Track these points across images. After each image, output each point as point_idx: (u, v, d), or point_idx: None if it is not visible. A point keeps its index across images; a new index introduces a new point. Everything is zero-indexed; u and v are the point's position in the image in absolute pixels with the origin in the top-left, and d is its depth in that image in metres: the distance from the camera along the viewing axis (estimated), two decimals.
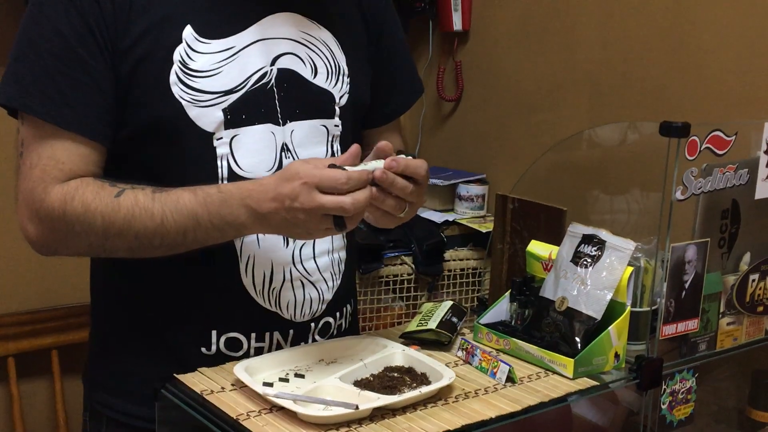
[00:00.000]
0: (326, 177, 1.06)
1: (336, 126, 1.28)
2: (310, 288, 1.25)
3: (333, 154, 1.28)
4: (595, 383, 1.16)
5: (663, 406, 1.24)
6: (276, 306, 1.23)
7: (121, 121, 1.17)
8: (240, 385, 1.09)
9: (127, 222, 1.11)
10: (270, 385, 1.09)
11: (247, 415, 1.02)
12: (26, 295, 2.15)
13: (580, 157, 1.68)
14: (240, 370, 1.10)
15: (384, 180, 1.09)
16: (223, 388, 1.10)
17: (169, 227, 1.11)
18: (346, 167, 1.08)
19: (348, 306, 1.35)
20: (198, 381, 1.11)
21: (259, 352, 1.22)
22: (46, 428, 2.20)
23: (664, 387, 1.23)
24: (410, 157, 1.12)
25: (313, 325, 1.27)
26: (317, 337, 1.28)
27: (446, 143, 2.53)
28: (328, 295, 1.28)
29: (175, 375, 1.12)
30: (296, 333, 1.25)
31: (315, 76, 1.26)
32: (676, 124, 1.13)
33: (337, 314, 1.31)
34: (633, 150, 1.59)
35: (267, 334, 1.23)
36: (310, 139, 1.25)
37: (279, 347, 1.24)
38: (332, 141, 1.28)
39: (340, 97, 1.28)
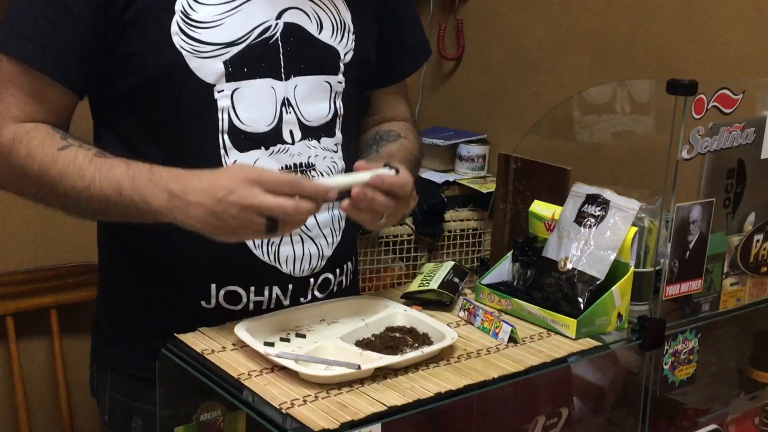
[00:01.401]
0: (273, 176, 1.05)
1: (339, 83, 1.27)
2: (310, 243, 1.25)
3: (336, 111, 1.27)
4: (597, 344, 1.16)
5: (665, 367, 1.24)
6: (275, 260, 1.23)
7: (118, 72, 1.17)
8: (241, 345, 1.09)
9: (59, 176, 1.11)
10: (271, 344, 1.09)
11: (249, 374, 1.02)
12: (25, 255, 2.14)
13: (584, 116, 1.66)
14: (241, 329, 1.09)
15: (361, 200, 1.08)
16: (224, 347, 1.09)
17: (95, 192, 1.10)
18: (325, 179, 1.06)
19: (348, 263, 1.34)
20: (199, 340, 1.11)
21: (258, 306, 1.22)
22: (45, 387, 2.21)
23: (666, 347, 1.23)
24: (394, 172, 1.10)
25: (312, 280, 1.27)
26: (317, 293, 1.28)
27: (447, 103, 2.51)
28: (328, 251, 1.27)
29: (175, 334, 1.11)
30: (295, 288, 1.25)
31: (320, 32, 1.25)
32: (684, 82, 1.12)
33: (337, 271, 1.31)
34: (638, 109, 1.57)
35: (266, 288, 1.23)
36: (313, 95, 1.25)
37: (278, 302, 1.24)
38: (335, 97, 1.27)
39: (345, 54, 1.28)
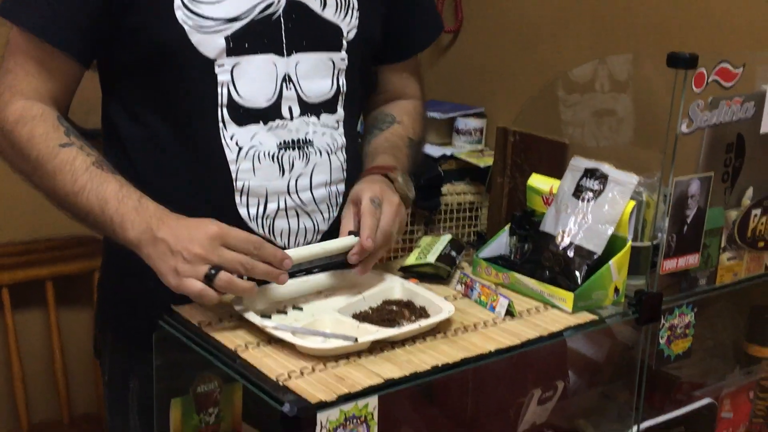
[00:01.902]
0: (239, 235, 1.06)
1: (342, 60, 1.27)
2: (305, 218, 1.25)
3: (338, 88, 1.28)
4: (594, 317, 1.16)
5: (661, 341, 1.24)
6: (270, 233, 1.24)
7: (123, 43, 1.18)
8: (238, 318, 1.09)
9: (53, 172, 1.14)
10: (268, 317, 1.09)
11: (246, 346, 1.03)
12: (21, 226, 2.14)
13: (582, 90, 1.66)
14: (238, 302, 1.09)
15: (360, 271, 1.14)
16: (221, 320, 1.10)
17: (81, 202, 1.13)
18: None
19: None
20: (196, 313, 1.11)
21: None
22: (41, 358, 2.22)
23: (662, 322, 1.23)
24: (365, 238, 1.13)
25: None
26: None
27: (444, 76, 2.50)
28: (324, 226, 1.28)
29: (172, 307, 1.11)
30: None
31: (324, 9, 1.25)
32: (684, 55, 1.11)
33: None
34: (638, 83, 1.57)
35: None
36: (316, 72, 1.25)
37: None
38: (338, 75, 1.27)
39: (348, 32, 1.28)
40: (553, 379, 1.30)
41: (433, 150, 2.26)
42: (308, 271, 1.25)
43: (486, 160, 2.21)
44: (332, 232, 1.28)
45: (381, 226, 1.16)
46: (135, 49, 1.18)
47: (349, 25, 1.28)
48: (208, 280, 1.03)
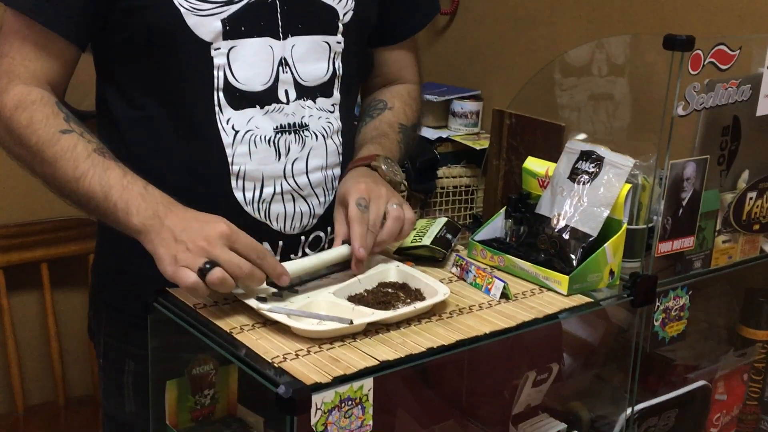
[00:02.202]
0: (247, 240, 1.05)
1: (338, 43, 1.27)
2: (301, 202, 1.25)
3: (334, 71, 1.27)
4: (589, 300, 1.16)
5: (656, 323, 1.25)
6: (266, 217, 1.24)
7: (118, 26, 1.17)
8: (233, 300, 1.09)
9: (53, 158, 1.12)
10: (263, 299, 1.08)
11: (241, 328, 1.03)
12: (15, 208, 2.14)
13: (579, 72, 1.65)
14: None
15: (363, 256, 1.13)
16: (216, 302, 1.10)
17: (83, 188, 1.11)
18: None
19: None
20: (191, 295, 1.10)
21: None
22: (36, 340, 2.22)
23: (657, 304, 1.24)
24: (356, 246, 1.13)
25: (303, 238, 1.28)
26: (307, 250, 1.29)
27: (440, 58, 2.49)
28: (319, 210, 1.28)
29: (167, 289, 1.11)
30: (286, 245, 1.26)
31: None
32: (680, 38, 1.11)
33: (329, 229, 1.31)
34: (634, 65, 1.56)
35: None
36: (311, 55, 1.24)
37: None
38: (334, 58, 1.27)
39: (344, 14, 1.27)
40: (548, 361, 1.31)
41: (428, 132, 2.26)
42: (303, 255, 1.25)
43: (482, 143, 2.20)
44: (329, 214, 1.28)
45: (371, 227, 1.15)
46: (130, 32, 1.17)
47: (345, 7, 1.27)
48: (202, 273, 1.02)
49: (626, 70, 1.58)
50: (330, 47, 1.26)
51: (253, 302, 1.05)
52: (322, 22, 1.26)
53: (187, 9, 1.16)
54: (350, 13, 1.28)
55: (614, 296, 1.20)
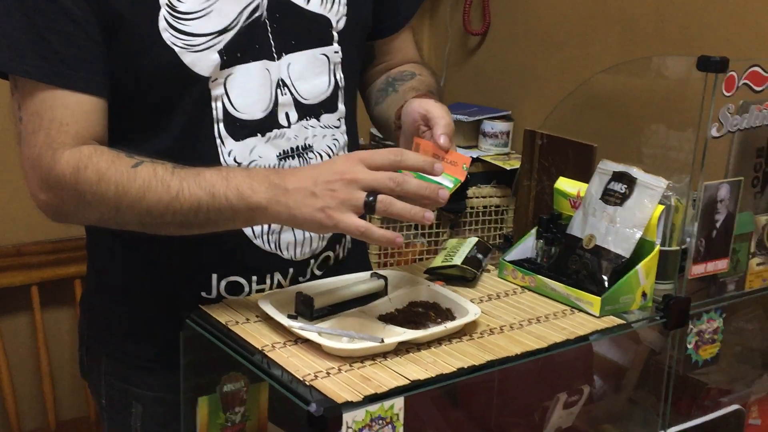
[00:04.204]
0: (378, 152, 1.02)
1: (336, 53, 1.23)
2: None
3: (336, 83, 1.23)
4: (620, 322, 1.15)
5: (689, 346, 1.24)
6: (276, 248, 1.21)
7: (114, 69, 1.11)
8: (265, 317, 1.10)
9: (141, 192, 1.05)
10: (294, 317, 1.09)
11: (272, 346, 1.03)
12: (50, 225, 2.15)
13: (611, 93, 1.65)
14: (265, 302, 1.10)
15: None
16: (247, 319, 1.10)
17: (183, 201, 1.05)
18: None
19: (348, 236, 1.31)
20: (223, 312, 1.12)
21: (260, 294, 1.20)
22: (70, 356, 2.23)
23: (690, 327, 1.23)
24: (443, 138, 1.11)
25: (312, 261, 1.26)
26: (316, 272, 1.27)
27: (471, 78, 2.50)
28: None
29: (200, 306, 1.12)
30: (296, 271, 1.24)
31: (308, 2, 1.20)
32: (715, 59, 1.11)
33: (337, 246, 1.30)
34: (667, 86, 1.56)
35: (268, 276, 1.22)
36: (310, 71, 1.20)
37: (279, 287, 1.23)
38: (334, 69, 1.23)
39: (338, 21, 1.23)
40: (579, 383, 1.30)
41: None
42: (311, 276, 1.25)
43: (512, 163, 2.20)
44: (335, 235, 1.26)
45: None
46: (124, 76, 1.11)
47: (337, 14, 1.22)
48: (369, 208, 0.99)
49: (659, 91, 1.58)
50: (329, 59, 1.22)
51: (284, 320, 1.06)
52: (316, 34, 1.20)
53: (181, 47, 1.10)
54: (343, 20, 1.22)
55: (647, 318, 1.19)
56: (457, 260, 1.26)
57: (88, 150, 1.08)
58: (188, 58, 1.11)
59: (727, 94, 1.14)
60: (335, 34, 1.23)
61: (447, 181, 1.07)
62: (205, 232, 1.09)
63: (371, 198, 1.00)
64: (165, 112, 1.14)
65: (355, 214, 1.01)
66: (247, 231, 1.19)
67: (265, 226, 1.20)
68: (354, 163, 1.02)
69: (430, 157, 1.08)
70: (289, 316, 1.09)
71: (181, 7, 1.10)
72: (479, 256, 1.29)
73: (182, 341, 1.11)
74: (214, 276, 1.21)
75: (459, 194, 2.20)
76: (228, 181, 1.05)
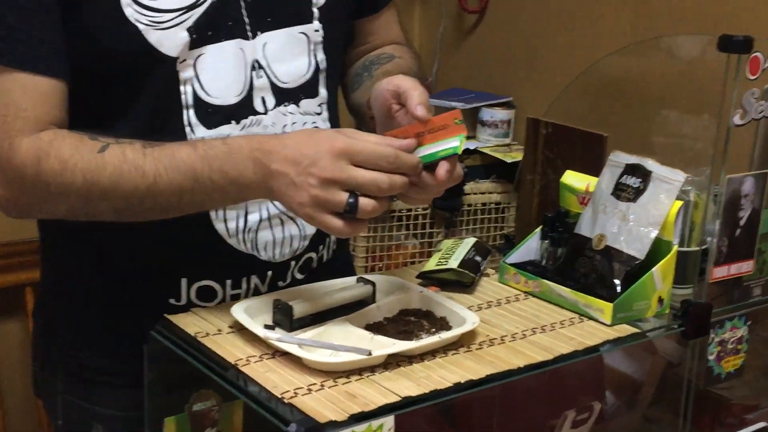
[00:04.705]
0: (367, 147, 1.02)
1: (316, 31, 1.23)
2: (290, 225, 1.23)
3: (317, 66, 1.23)
4: (634, 331, 1.16)
5: (710, 357, 1.24)
6: (253, 248, 1.21)
7: (74, 48, 1.10)
8: (238, 328, 1.09)
9: (114, 181, 1.06)
10: (272, 328, 1.09)
11: (247, 360, 1.03)
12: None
13: (622, 77, 1.65)
14: (239, 311, 1.10)
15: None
16: (219, 330, 1.10)
17: (163, 187, 1.06)
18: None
19: (332, 235, 1.31)
20: (192, 322, 1.11)
21: (235, 299, 1.21)
22: (21, 372, 2.21)
23: (711, 336, 1.23)
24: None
25: (293, 263, 1.26)
26: (297, 275, 1.27)
27: (468, 62, 2.50)
28: (311, 230, 1.25)
29: (166, 315, 1.12)
30: (275, 274, 1.24)
31: None
32: (738, 38, 1.11)
33: (320, 247, 1.30)
34: (684, 69, 1.56)
35: (244, 280, 1.22)
36: (288, 52, 1.20)
37: (257, 291, 1.23)
38: (314, 50, 1.23)
39: None
40: (589, 399, 1.30)
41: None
42: (292, 281, 1.25)
43: (514, 156, 2.20)
44: (320, 233, 1.26)
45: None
46: (83, 58, 1.10)
47: None
48: (350, 212, 1.00)
49: (676, 75, 1.59)
50: (308, 38, 1.22)
51: (260, 331, 1.06)
52: (294, 10, 1.20)
53: (146, 24, 1.09)
54: None
55: (663, 327, 1.19)
56: (453, 263, 1.26)
57: (48, 136, 1.08)
58: (153, 37, 1.11)
59: (751, 77, 1.14)
60: (315, 11, 1.23)
61: (452, 143, 1.06)
62: (189, 213, 1.10)
63: (352, 200, 1.01)
64: (128, 97, 1.14)
65: (335, 217, 1.02)
66: (221, 229, 1.19)
67: (241, 224, 1.20)
68: (337, 158, 1.01)
69: (412, 135, 1.08)
70: (266, 327, 1.08)
71: None
72: (477, 258, 1.29)
73: (146, 355, 1.10)
74: (184, 280, 1.20)
75: (455, 190, 2.20)
76: (208, 161, 1.06)
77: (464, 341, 1.09)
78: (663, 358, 1.40)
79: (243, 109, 1.18)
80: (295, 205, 1.04)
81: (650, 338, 1.20)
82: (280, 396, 0.95)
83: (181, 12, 1.12)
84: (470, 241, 1.32)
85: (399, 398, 0.95)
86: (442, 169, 1.05)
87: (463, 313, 1.12)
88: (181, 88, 1.14)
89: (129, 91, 1.14)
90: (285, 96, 1.21)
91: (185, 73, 1.14)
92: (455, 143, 1.06)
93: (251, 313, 1.10)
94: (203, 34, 1.13)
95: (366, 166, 1.02)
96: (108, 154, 1.07)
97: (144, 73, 1.13)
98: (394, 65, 1.31)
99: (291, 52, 1.21)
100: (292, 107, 1.22)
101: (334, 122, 1.28)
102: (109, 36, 1.10)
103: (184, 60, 1.13)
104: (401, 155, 1.03)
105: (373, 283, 1.18)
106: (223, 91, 1.16)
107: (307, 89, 1.23)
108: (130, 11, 1.10)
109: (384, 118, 1.17)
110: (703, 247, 1.24)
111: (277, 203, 1.20)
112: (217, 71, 1.15)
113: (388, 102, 1.15)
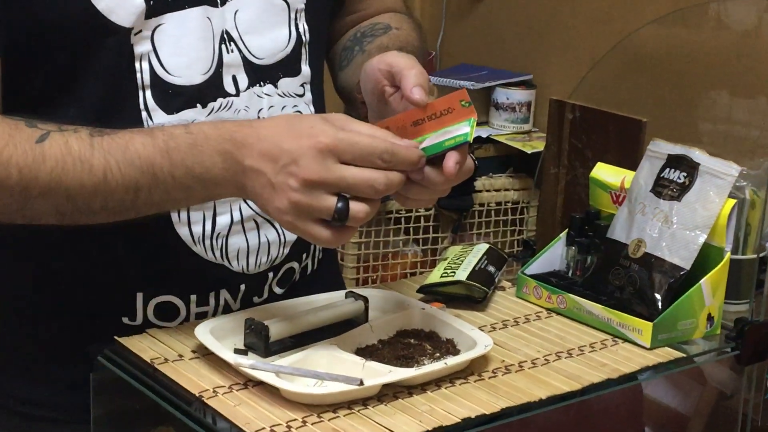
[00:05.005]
0: (358, 142, 1.02)
1: None
2: (267, 229, 1.23)
3: (299, 37, 1.24)
4: (680, 355, 1.16)
5: None
6: (222, 257, 1.21)
7: (13, 19, 1.09)
8: (204, 353, 1.09)
9: (56, 177, 1.05)
10: (243, 352, 1.09)
11: (214, 391, 1.03)
12: None
13: (661, 51, 1.66)
14: (204, 332, 1.10)
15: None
16: (181, 355, 1.10)
17: (115, 184, 1.05)
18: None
19: None
20: (148, 346, 1.11)
21: (201, 318, 1.20)
22: None
23: None
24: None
25: (271, 274, 1.26)
26: (276, 289, 1.28)
27: (479, 33, 2.50)
28: (292, 235, 1.24)
29: (116, 338, 1.12)
30: (249, 287, 1.24)
31: None
32: None
33: (303, 255, 1.30)
34: (738, 40, 1.56)
35: (212, 295, 1.22)
36: (264, 21, 1.21)
37: (227, 308, 1.23)
38: (296, 18, 1.24)
39: None
40: None
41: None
42: (270, 296, 1.25)
43: (535, 145, 2.21)
44: (300, 242, 1.26)
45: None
46: (19, 30, 1.10)
47: None
48: (339, 218, 1.01)
49: (727, 49, 1.59)
50: (288, 5, 1.22)
51: (229, 356, 1.06)
52: None
53: None
54: None
55: (714, 350, 1.19)
56: (462, 275, 1.26)
57: None
58: (102, 3, 1.11)
59: None
60: None
61: (461, 129, 1.06)
62: (147, 215, 1.10)
63: (342, 206, 1.01)
64: (72, 76, 1.14)
65: (320, 225, 1.03)
66: (184, 234, 1.19)
67: (208, 228, 1.20)
68: (323, 155, 1.01)
69: (410, 124, 1.08)
70: (237, 351, 1.08)
71: None
72: (491, 268, 1.29)
73: (93, 385, 1.10)
74: (139, 296, 1.20)
75: (464, 187, 2.20)
76: (170, 155, 1.05)
77: (475, 368, 1.09)
78: (714, 387, 1.40)
79: (210, 90, 1.18)
80: (273, 211, 1.04)
81: (698, 364, 1.21)
82: None
83: None
84: (482, 247, 1.32)
85: None
86: (451, 161, 1.04)
87: (473, 334, 1.12)
88: (136, 65, 1.14)
89: (73, 69, 1.14)
90: (260, 74, 1.21)
91: (141, 47, 1.14)
92: (465, 129, 1.05)
93: (219, 335, 1.10)
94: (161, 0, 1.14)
95: (357, 163, 1.02)
96: (48, 144, 1.06)
97: (91, 46, 1.13)
98: (391, 38, 1.31)
99: (268, 21, 1.22)
100: (268, 88, 1.22)
101: (319, 105, 1.28)
102: (52, 3, 1.10)
103: (140, 31, 1.13)
104: (399, 150, 1.03)
105: (365, 299, 1.17)
106: (186, 69, 1.16)
107: (287, 66, 1.24)
108: None
109: (376, 104, 1.17)
110: (761, 254, 1.25)
111: (251, 203, 1.20)
112: (179, 45, 1.16)
113: (381, 84, 1.15)
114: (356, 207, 1.01)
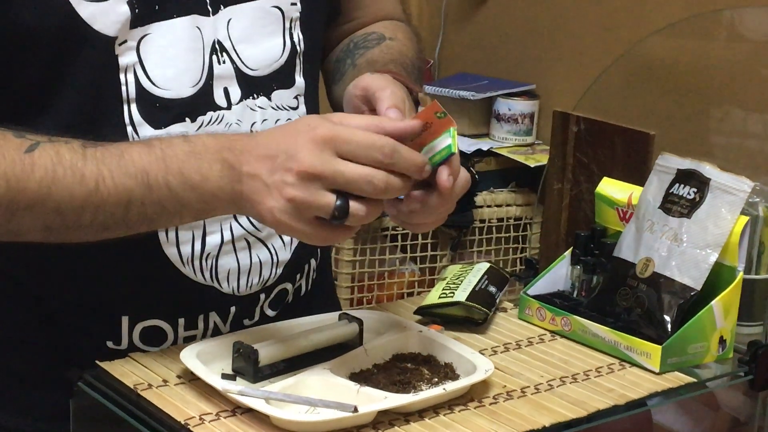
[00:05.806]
0: (357, 134, 1.02)
1: (293, 5, 1.24)
2: (259, 248, 1.23)
3: (293, 48, 1.24)
4: (690, 380, 1.16)
5: None
6: (212, 278, 1.21)
7: None
8: (190, 378, 1.09)
9: (45, 188, 1.04)
10: (232, 377, 1.09)
11: (201, 419, 1.02)
12: None
13: (672, 62, 1.66)
14: (190, 356, 1.09)
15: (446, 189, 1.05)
16: (165, 381, 1.10)
17: (107, 194, 1.05)
18: None
19: (312, 261, 1.32)
20: (130, 371, 1.11)
21: (189, 343, 1.19)
22: None
23: None
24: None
25: (263, 296, 1.26)
26: (268, 311, 1.28)
27: (479, 41, 2.51)
28: (285, 255, 1.25)
29: (98, 362, 1.11)
30: (239, 310, 1.24)
31: None
32: None
33: (297, 276, 1.30)
34: (751, 50, 1.57)
35: (201, 318, 1.22)
36: (258, 31, 1.21)
37: (216, 332, 1.23)
38: (291, 27, 1.24)
39: None
40: None
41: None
42: (261, 318, 1.25)
43: (539, 158, 2.21)
44: (297, 257, 1.27)
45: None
46: (3, 36, 1.10)
47: None
48: (338, 217, 1.01)
49: (741, 56, 1.59)
50: (283, 13, 1.23)
51: (217, 381, 1.05)
52: None
53: None
54: None
55: (726, 375, 1.20)
56: (461, 295, 1.26)
57: None
58: (86, 11, 1.11)
59: None
60: None
61: (443, 142, 1.05)
62: (137, 232, 1.09)
63: (341, 203, 1.01)
64: (53, 88, 1.14)
65: (318, 224, 1.03)
66: (172, 254, 1.19)
67: (197, 248, 1.20)
68: (320, 147, 1.01)
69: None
70: (225, 376, 1.08)
71: None
72: (491, 289, 1.29)
73: (72, 412, 1.10)
74: (125, 319, 1.20)
75: (463, 202, 2.20)
76: (165, 163, 1.05)
77: (475, 394, 1.09)
78: (726, 414, 1.40)
79: (200, 103, 1.18)
80: (267, 212, 1.03)
81: (710, 389, 1.20)
82: None
83: None
84: (482, 266, 1.32)
85: None
86: (443, 175, 1.05)
87: (473, 358, 1.12)
88: (121, 76, 1.14)
89: (53, 79, 1.13)
90: (254, 86, 1.22)
91: (126, 58, 1.14)
92: (447, 141, 1.05)
93: (206, 359, 1.10)
94: (149, 8, 1.14)
95: (356, 158, 1.02)
96: (38, 154, 1.06)
97: (73, 56, 1.12)
98: (382, 50, 1.32)
99: (261, 31, 1.22)
100: (262, 100, 1.22)
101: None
102: (31, 9, 1.10)
103: (125, 41, 1.13)
104: (400, 147, 1.03)
105: (359, 321, 1.17)
106: (174, 81, 1.17)
107: (281, 77, 1.24)
108: None
109: None
110: None
111: (242, 221, 1.20)
112: (167, 56, 1.16)
113: (360, 110, 1.17)
114: (356, 205, 1.01)
